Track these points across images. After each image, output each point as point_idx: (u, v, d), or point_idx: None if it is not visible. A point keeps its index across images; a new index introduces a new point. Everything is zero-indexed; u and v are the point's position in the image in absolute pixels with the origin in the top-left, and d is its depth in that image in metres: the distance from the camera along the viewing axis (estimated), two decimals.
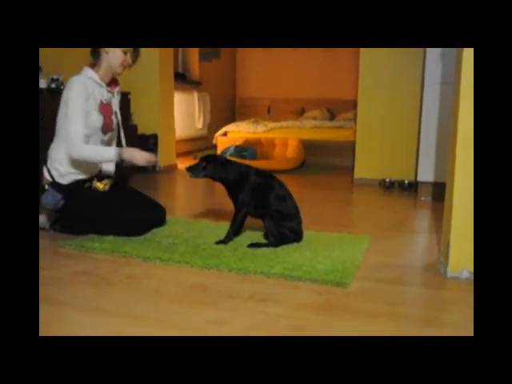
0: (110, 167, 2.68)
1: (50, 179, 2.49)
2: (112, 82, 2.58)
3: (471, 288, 1.88)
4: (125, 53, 2.44)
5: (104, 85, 2.50)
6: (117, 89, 2.63)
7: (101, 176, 2.64)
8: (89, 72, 2.45)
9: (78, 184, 2.54)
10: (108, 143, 2.64)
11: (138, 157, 2.45)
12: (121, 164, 2.49)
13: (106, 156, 2.43)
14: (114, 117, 2.60)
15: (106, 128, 2.54)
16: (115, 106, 2.63)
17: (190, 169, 2.39)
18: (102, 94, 2.50)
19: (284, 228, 2.35)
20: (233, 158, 5.21)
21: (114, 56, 2.43)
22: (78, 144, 2.35)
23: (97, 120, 2.46)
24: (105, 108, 2.51)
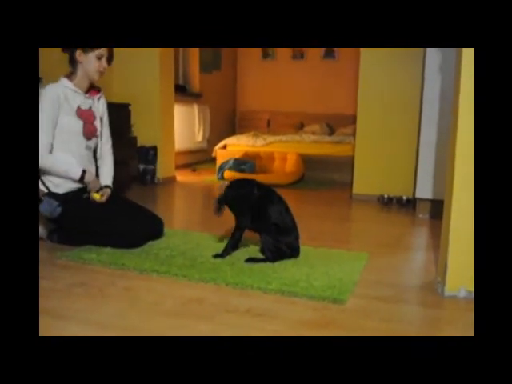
0: (107, 179, 2.69)
1: (46, 190, 2.50)
2: (92, 89, 2.62)
3: (469, 307, 1.88)
4: (99, 58, 2.48)
5: (80, 91, 2.53)
6: (97, 95, 2.65)
7: (99, 187, 2.64)
8: (63, 81, 2.50)
9: (75, 194, 2.54)
10: (94, 150, 2.66)
11: (95, 184, 2.59)
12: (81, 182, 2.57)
13: (72, 173, 2.50)
14: (97, 123, 2.62)
15: (88, 134, 2.57)
16: (98, 112, 2.65)
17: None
18: (80, 100, 2.53)
19: (281, 243, 2.34)
20: (232, 172, 5.26)
21: (88, 64, 2.48)
22: (41, 154, 2.39)
23: (74, 124, 2.50)
24: (83, 113, 2.54)
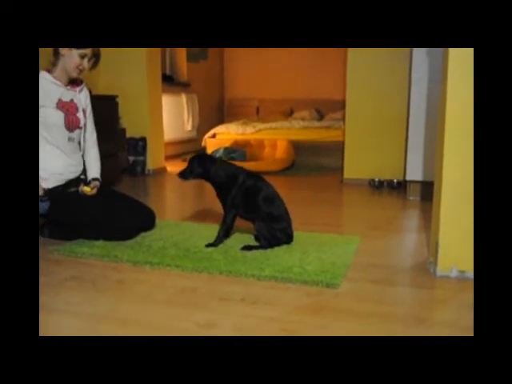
0: (95, 171, 2.67)
1: None
2: (73, 82, 2.58)
3: (461, 286, 1.90)
4: (82, 57, 2.43)
5: (60, 84, 2.50)
6: (79, 87, 2.61)
7: (88, 180, 2.63)
8: (43, 74, 2.47)
9: (64, 188, 2.52)
10: (77, 140, 2.63)
11: None
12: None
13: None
14: (79, 114, 2.59)
15: (71, 125, 2.53)
16: (81, 103, 2.61)
17: (180, 174, 2.43)
18: (61, 92, 2.50)
19: (275, 230, 2.35)
20: None
21: (69, 59, 2.44)
22: None
23: (55, 116, 2.46)
24: (64, 105, 2.51)
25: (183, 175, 2.43)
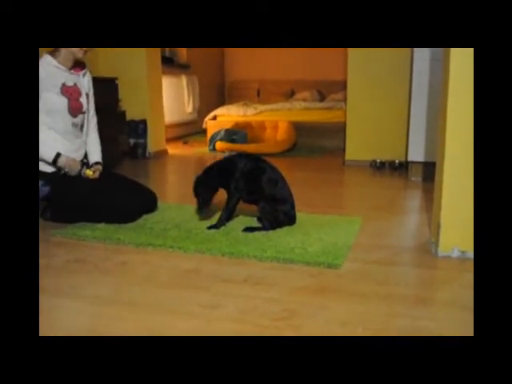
0: (96, 155, 2.67)
1: None
2: (77, 66, 2.56)
3: (462, 267, 1.90)
4: None
5: (64, 68, 2.47)
6: (82, 71, 2.59)
7: (90, 164, 2.63)
8: (47, 58, 2.44)
9: (65, 172, 2.52)
10: (81, 126, 2.61)
11: (73, 167, 2.51)
12: (57, 168, 2.50)
13: (45, 156, 2.43)
14: (82, 99, 2.57)
15: (74, 110, 2.52)
16: (84, 88, 2.59)
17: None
18: (65, 77, 2.48)
19: (278, 212, 2.35)
20: (223, 142, 5.24)
21: None
22: None
23: (58, 101, 2.45)
24: (68, 90, 2.49)
25: (202, 208, 2.44)
